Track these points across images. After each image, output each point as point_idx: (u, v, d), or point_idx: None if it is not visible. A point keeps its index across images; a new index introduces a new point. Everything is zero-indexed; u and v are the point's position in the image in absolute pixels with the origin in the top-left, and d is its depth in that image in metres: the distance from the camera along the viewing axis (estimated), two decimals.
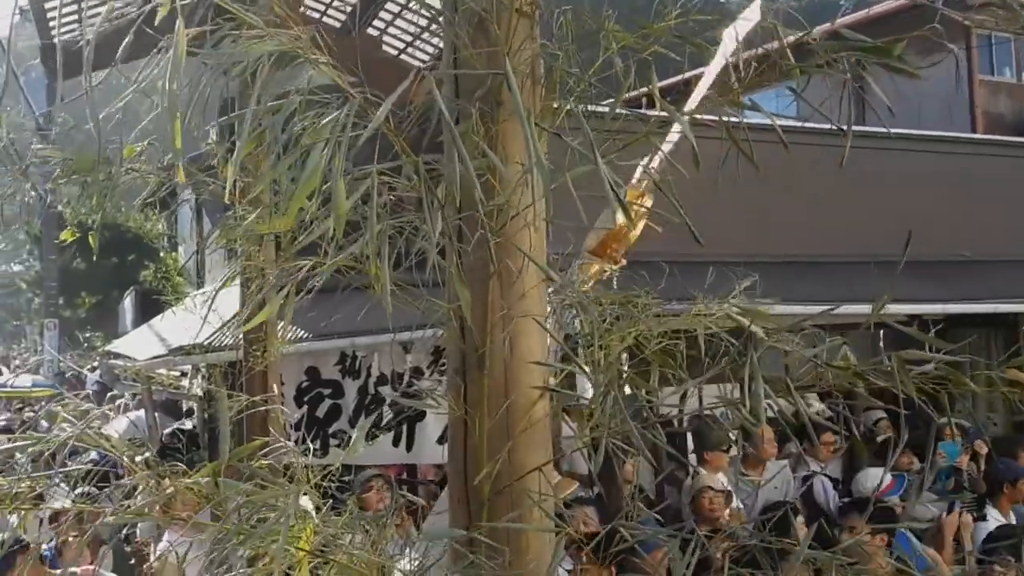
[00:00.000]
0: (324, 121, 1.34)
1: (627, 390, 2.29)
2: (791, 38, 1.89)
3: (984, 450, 7.57)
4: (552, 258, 2.25)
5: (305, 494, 1.66)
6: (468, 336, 1.95)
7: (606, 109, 1.69)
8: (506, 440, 1.95)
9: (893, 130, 8.40)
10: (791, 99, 2.14)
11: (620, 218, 2.75)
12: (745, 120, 1.95)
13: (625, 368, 2.02)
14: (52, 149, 2.44)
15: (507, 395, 1.96)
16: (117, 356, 10.50)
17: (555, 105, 1.91)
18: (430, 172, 1.61)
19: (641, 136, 1.71)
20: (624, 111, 1.74)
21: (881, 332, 7.76)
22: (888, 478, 6.58)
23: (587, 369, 1.89)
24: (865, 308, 1.99)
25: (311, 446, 2.73)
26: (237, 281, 6.93)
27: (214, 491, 1.66)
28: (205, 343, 6.77)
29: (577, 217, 2.12)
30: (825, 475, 7.44)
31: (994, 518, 6.49)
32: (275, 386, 5.45)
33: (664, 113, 1.76)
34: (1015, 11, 2.26)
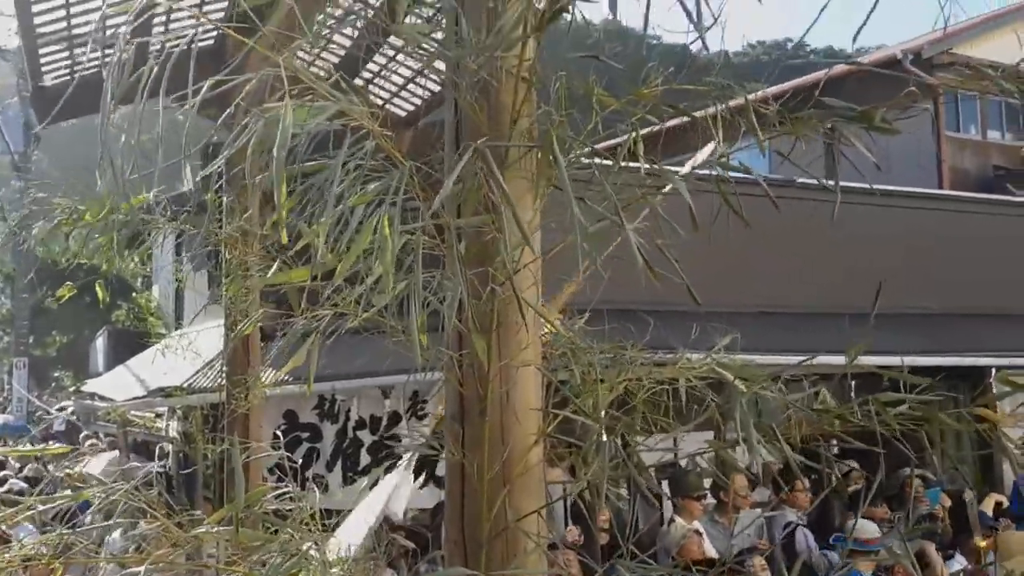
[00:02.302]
0: (372, 187, 1.43)
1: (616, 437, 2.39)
2: (770, 93, 2.02)
3: (948, 503, 7.73)
4: (545, 308, 2.34)
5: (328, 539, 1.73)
6: (468, 383, 2.03)
7: (605, 164, 1.79)
8: (503, 485, 2.03)
9: (868, 185, 8.61)
10: (760, 152, 2.27)
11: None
12: (730, 175, 2.06)
13: (615, 415, 2.11)
14: (62, 197, 2.51)
15: (504, 441, 2.04)
16: (92, 396, 10.44)
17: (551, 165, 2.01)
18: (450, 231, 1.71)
19: (639, 197, 1.82)
20: (617, 166, 1.85)
21: (852, 382, 7.92)
22: (877, 531, 6.68)
23: (583, 417, 1.98)
24: (836, 359, 2.09)
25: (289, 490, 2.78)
26: (218, 323, 6.98)
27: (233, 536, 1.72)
28: (186, 385, 6.79)
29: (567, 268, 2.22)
30: (804, 525, 7.52)
31: (959, 562, 6.65)
32: (259, 429, 5.49)
33: (654, 167, 1.87)
34: (979, 71, 2.40)
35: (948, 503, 7.91)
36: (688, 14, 1.53)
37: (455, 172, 1.48)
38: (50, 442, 16.75)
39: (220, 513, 1.86)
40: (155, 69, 1.55)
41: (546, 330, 2.19)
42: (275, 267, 1.89)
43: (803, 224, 8.93)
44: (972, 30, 14.34)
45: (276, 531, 1.73)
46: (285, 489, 1.99)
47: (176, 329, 12.58)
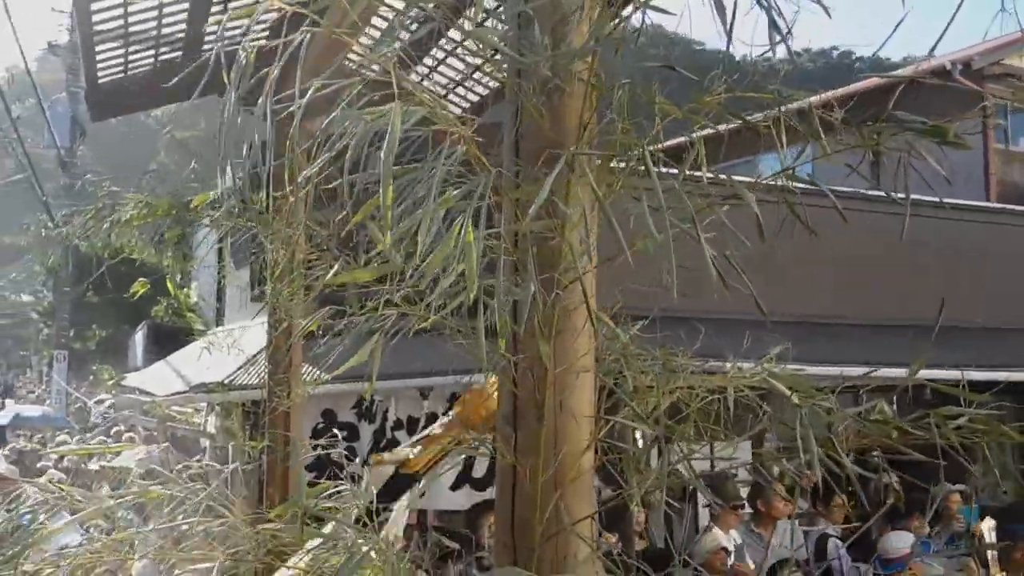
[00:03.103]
0: (456, 192, 1.44)
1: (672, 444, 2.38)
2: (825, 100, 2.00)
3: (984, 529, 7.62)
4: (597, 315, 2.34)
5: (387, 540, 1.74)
6: (524, 387, 2.04)
7: (673, 173, 1.79)
8: (554, 489, 2.03)
9: (937, 198, 8.52)
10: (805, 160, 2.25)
11: (492, 381, 2.63)
12: (792, 185, 2.05)
13: (668, 423, 2.10)
14: (130, 195, 2.55)
15: (557, 446, 2.04)
16: (133, 390, 10.57)
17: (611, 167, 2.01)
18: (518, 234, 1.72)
19: (705, 207, 1.82)
20: (684, 174, 1.85)
21: (910, 395, 7.83)
22: (911, 542, 6.60)
23: (637, 423, 1.98)
24: (891, 371, 2.08)
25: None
26: (261, 320, 7.04)
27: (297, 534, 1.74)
28: (227, 381, 6.86)
29: (623, 275, 2.22)
30: (837, 537, 7.46)
31: None
32: (299, 427, 5.53)
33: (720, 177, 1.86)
34: None
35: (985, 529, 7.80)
36: (771, 23, 1.53)
37: (550, 181, 1.49)
38: (88, 435, 16.99)
39: (280, 509, 1.88)
40: (237, 70, 1.57)
41: (601, 336, 2.20)
42: (337, 266, 1.91)
43: (857, 236, 8.88)
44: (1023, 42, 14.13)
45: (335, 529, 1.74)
46: (340, 487, 2.01)
47: (217, 325, 12.71)
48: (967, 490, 8.24)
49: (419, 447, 3.04)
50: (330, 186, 1.59)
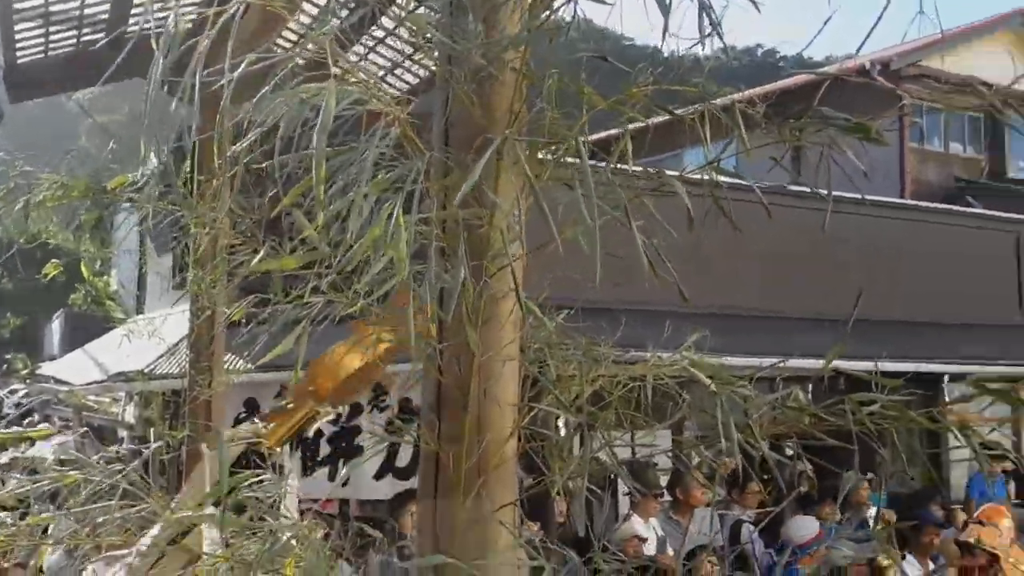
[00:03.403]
0: (388, 176, 1.43)
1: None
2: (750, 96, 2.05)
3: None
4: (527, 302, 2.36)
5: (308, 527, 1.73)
6: (450, 375, 2.04)
7: (601, 165, 1.81)
8: (477, 477, 2.05)
9: (840, 193, 8.72)
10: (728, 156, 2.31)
11: (340, 351, 2.59)
12: (717, 178, 2.09)
13: (591, 411, 2.13)
14: (45, 175, 2.48)
15: (481, 433, 2.06)
16: (49, 379, 10.29)
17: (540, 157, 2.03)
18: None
19: (633, 197, 1.84)
20: (613, 164, 1.87)
21: (810, 386, 8.04)
22: (816, 528, 6.79)
23: (560, 411, 2.00)
24: (806, 362, 2.14)
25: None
26: (182, 308, 6.91)
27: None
28: (148, 370, 6.72)
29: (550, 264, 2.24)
30: (751, 523, 7.64)
31: (911, 563, 6.77)
32: (220, 416, 5.45)
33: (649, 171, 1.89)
34: (945, 84, 2.45)
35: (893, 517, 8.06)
36: (700, 17, 1.55)
37: (480, 166, 1.49)
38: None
39: (200, 497, 1.85)
40: (165, 39, 1.53)
41: (527, 325, 2.21)
42: (262, 253, 1.89)
43: (780, 230, 9.07)
44: (940, 44, 14.57)
45: (262, 518, 1.73)
46: (263, 476, 1.99)
47: (138, 313, 12.44)
48: (876, 477, 8.50)
49: (269, 423, 2.98)
50: (258, 167, 1.57)
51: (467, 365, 2.00)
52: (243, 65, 1.48)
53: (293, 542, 1.68)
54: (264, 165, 1.45)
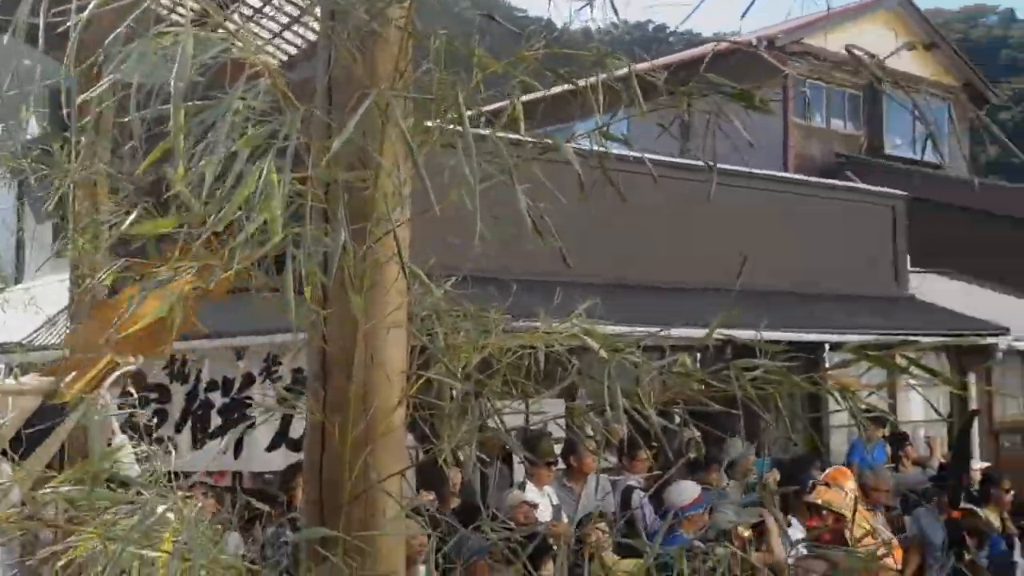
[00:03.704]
0: (260, 131, 1.36)
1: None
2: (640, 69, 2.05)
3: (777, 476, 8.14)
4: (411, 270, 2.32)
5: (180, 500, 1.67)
6: (334, 342, 2.00)
7: (486, 132, 1.78)
8: (364, 446, 2.01)
9: (727, 166, 8.88)
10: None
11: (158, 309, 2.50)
12: (606, 147, 2.08)
13: (479, 379, 2.12)
14: None
15: (367, 402, 2.02)
16: None
17: (428, 124, 1.99)
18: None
19: (521, 162, 1.81)
20: (499, 129, 1.84)
21: (698, 354, 8.20)
22: (697, 491, 6.97)
23: (449, 379, 1.98)
24: (691, 331, 2.17)
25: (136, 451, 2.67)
26: (63, 277, 6.62)
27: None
28: (26, 341, 6.43)
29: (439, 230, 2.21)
30: (641, 488, 7.79)
31: (795, 526, 7.01)
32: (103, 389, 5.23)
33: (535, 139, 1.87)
34: (827, 61, 2.51)
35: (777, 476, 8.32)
36: None
37: (352, 123, 1.43)
38: None
39: (70, 472, 1.77)
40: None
41: (414, 291, 2.18)
42: (134, 215, 1.79)
43: (669, 200, 9.20)
44: (824, 22, 14.98)
45: (139, 492, 1.65)
46: (136, 449, 1.91)
47: (17, 283, 11.89)
48: (761, 443, 8.77)
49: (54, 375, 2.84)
50: (124, 120, 1.48)
51: (350, 332, 1.95)
52: (91, 6, 1.39)
53: (170, 515, 1.62)
54: (128, 120, 1.37)
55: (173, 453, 2.39)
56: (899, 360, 1.97)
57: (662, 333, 2.55)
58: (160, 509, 1.58)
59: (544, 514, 7.06)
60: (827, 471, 6.67)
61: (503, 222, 1.96)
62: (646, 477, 8.21)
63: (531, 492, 7.33)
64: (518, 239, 2.08)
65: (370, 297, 1.99)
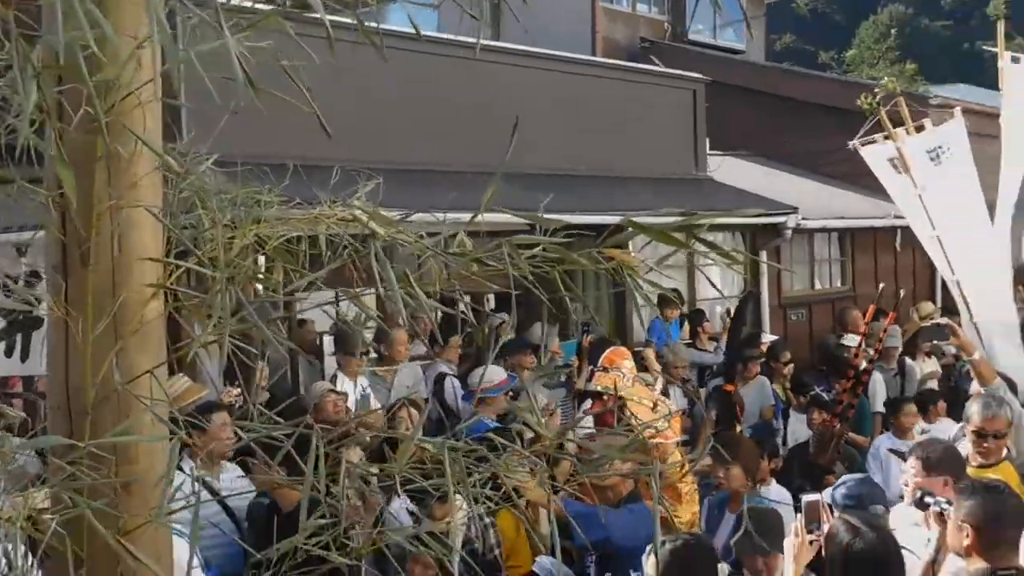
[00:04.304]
0: None
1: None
2: None
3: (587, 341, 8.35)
4: (171, 149, 2.11)
5: None
6: (70, 228, 1.78)
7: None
8: (114, 342, 1.82)
9: (532, 48, 8.77)
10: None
11: None
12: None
13: (239, 263, 1.95)
14: None
15: (115, 294, 1.82)
16: None
17: None
18: (25, 33, 1.42)
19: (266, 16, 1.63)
20: None
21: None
22: (502, 375, 7.08)
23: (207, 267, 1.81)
24: (493, 217, 2.07)
25: None
26: None
27: None
28: None
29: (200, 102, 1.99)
30: (453, 375, 7.86)
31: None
32: None
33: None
34: None
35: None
36: None
37: None
38: None
39: None
40: None
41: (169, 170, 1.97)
42: None
43: (462, 83, 9.02)
44: None
45: None
46: None
47: None
48: (569, 327, 8.97)
49: None
50: None
51: (84, 216, 1.74)
52: None
53: None
54: None
55: None
56: (688, 239, 1.94)
57: (449, 218, 2.45)
58: None
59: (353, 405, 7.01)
60: (604, 354, 6.77)
61: (275, 103, 1.79)
62: (457, 364, 8.28)
63: (341, 382, 7.25)
64: (297, 124, 1.90)
65: (113, 175, 1.78)
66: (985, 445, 4.74)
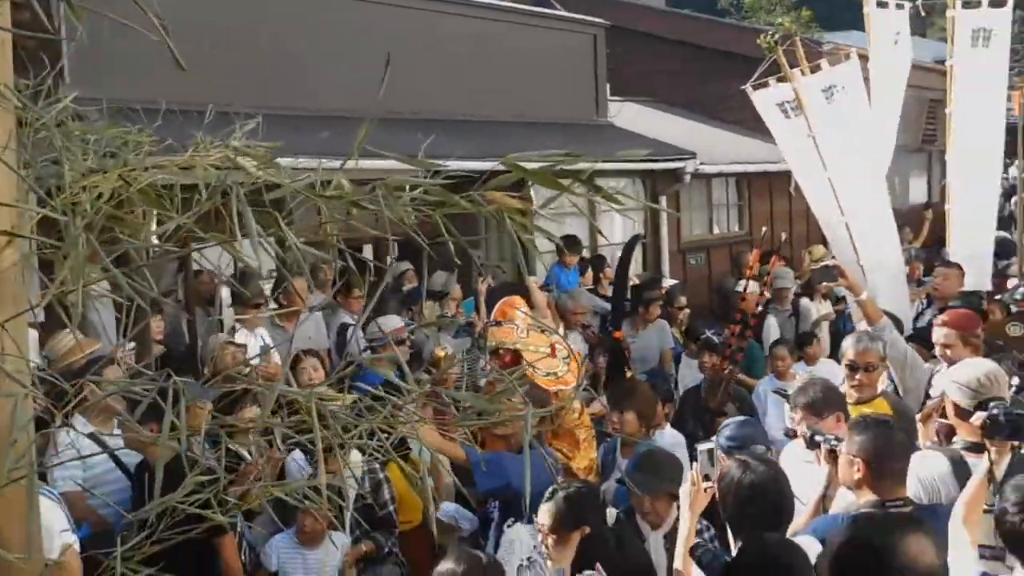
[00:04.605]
0: None
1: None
2: None
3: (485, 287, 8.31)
4: (22, 84, 1.98)
5: None
6: None
7: None
8: None
9: None
10: None
11: None
12: None
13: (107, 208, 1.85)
14: None
15: None
16: None
17: None
18: None
19: None
20: None
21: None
22: (398, 323, 7.06)
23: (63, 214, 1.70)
24: (381, 163, 2.01)
25: None
26: None
27: None
28: None
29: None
30: (359, 327, 7.76)
31: None
32: None
33: None
34: None
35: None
36: None
37: None
38: None
39: None
40: None
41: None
42: None
43: (363, 28, 8.80)
44: None
45: None
46: None
47: None
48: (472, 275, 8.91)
49: None
50: None
51: None
52: None
53: None
54: None
55: None
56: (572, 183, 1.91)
57: (339, 164, 2.36)
58: None
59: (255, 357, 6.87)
60: (496, 306, 6.67)
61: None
62: (360, 314, 8.17)
63: (241, 334, 7.09)
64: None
65: None
66: (857, 378, 4.94)
